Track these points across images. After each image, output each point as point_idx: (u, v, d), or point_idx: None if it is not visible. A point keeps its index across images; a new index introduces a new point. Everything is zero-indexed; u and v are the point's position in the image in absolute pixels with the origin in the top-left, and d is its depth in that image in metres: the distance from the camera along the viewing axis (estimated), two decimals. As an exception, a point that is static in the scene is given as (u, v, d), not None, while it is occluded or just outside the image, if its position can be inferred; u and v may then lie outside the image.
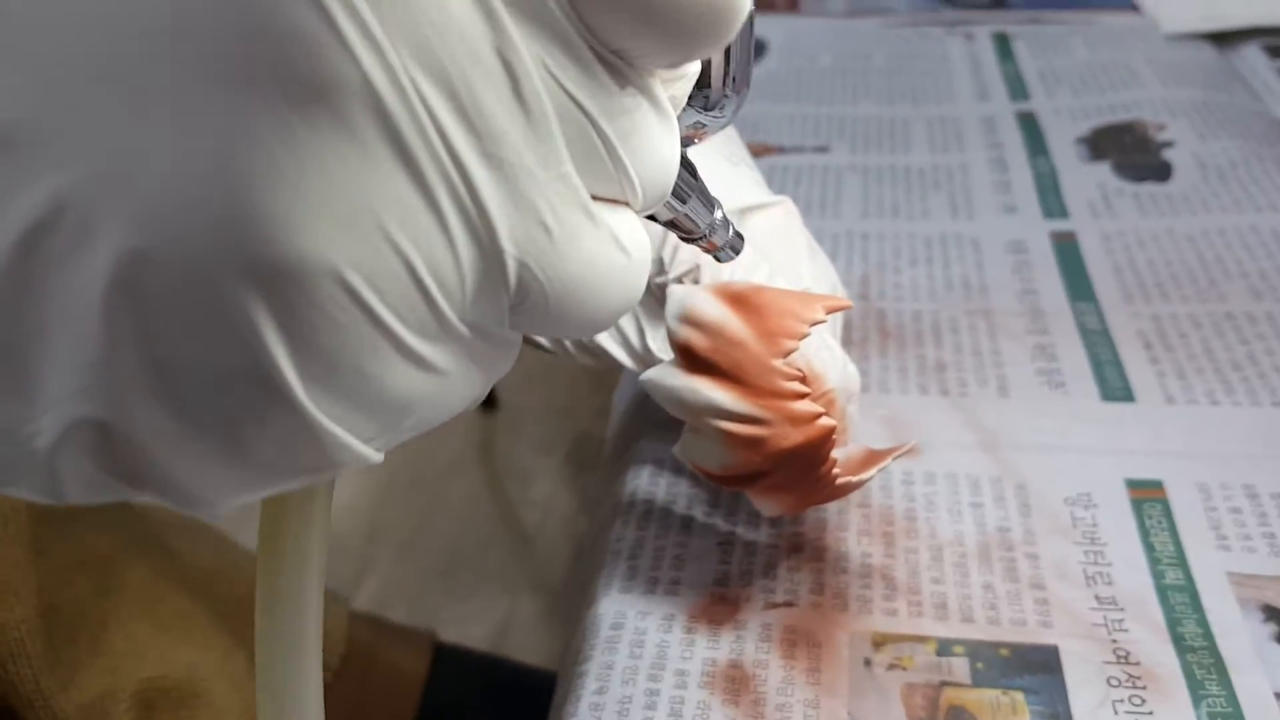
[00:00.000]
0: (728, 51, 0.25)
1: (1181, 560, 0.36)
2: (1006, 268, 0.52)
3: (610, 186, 0.18)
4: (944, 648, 0.34)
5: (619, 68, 0.17)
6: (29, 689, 0.40)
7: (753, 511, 0.39)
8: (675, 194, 0.26)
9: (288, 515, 0.21)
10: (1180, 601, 0.35)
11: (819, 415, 0.30)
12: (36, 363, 0.15)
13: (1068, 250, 0.53)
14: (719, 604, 0.35)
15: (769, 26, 0.81)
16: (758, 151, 0.64)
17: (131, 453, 0.16)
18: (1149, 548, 0.37)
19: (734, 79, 0.25)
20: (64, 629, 0.46)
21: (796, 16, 0.84)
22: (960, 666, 0.33)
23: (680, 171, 0.26)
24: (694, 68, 0.21)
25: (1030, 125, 0.65)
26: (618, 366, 0.38)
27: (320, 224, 0.14)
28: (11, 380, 0.15)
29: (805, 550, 0.37)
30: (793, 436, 0.30)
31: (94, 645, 0.47)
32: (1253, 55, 0.72)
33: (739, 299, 0.31)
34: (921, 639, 0.34)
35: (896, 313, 0.49)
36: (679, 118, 0.25)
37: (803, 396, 0.30)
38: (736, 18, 0.17)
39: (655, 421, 0.43)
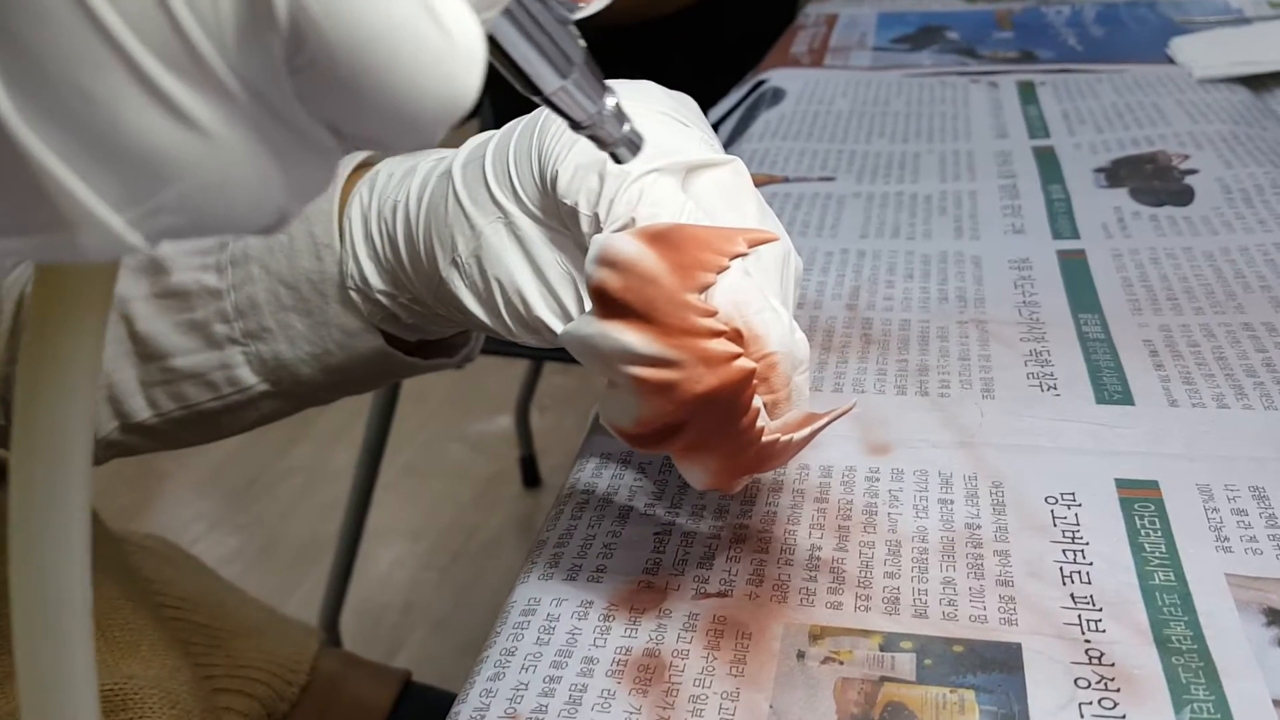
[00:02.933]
0: None
1: (1173, 560, 0.32)
2: (1007, 282, 0.48)
3: None
4: (890, 642, 0.30)
5: None
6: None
7: (698, 503, 0.36)
8: (553, 64, 0.24)
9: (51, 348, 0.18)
10: (1169, 603, 0.30)
11: (735, 355, 0.27)
12: None
13: (1074, 266, 0.49)
14: (644, 592, 0.32)
15: (790, 79, 0.80)
16: (760, 181, 0.62)
17: None
18: (1137, 548, 0.32)
19: None
20: (5, 640, 0.45)
21: (819, 69, 0.83)
22: (905, 662, 0.29)
23: (563, 38, 0.24)
24: None
25: (1047, 158, 0.62)
26: (558, 343, 0.36)
27: None
28: None
29: (749, 542, 0.34)
30: (706, 380, 0.27)
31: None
32: (1291, 97, 0.69)
33: (658, 236, 0.29)
34: (865, 633, 0.30)
35: (884, 321, 0.46)
36: None
37: (719, 335, 0.27)
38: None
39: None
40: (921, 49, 0.87)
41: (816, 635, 0.30)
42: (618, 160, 0.26)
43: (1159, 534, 0.33)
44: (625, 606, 0.31)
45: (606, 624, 0.31)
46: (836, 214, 0.57)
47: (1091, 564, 0.32)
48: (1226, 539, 0.33)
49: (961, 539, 0.33)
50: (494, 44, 0.23)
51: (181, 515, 1.61)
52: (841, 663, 0.29)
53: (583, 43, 0.24)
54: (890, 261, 0.51)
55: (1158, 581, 0.31)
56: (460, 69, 0.16)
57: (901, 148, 0.66)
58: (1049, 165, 0.61)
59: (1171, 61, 0.77)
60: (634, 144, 0.26)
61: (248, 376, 0.41)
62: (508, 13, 0.22)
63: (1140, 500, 0.34)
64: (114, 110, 0.14)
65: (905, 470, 0.37)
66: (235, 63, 0.14)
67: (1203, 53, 0.77)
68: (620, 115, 0.26)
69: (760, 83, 0.81)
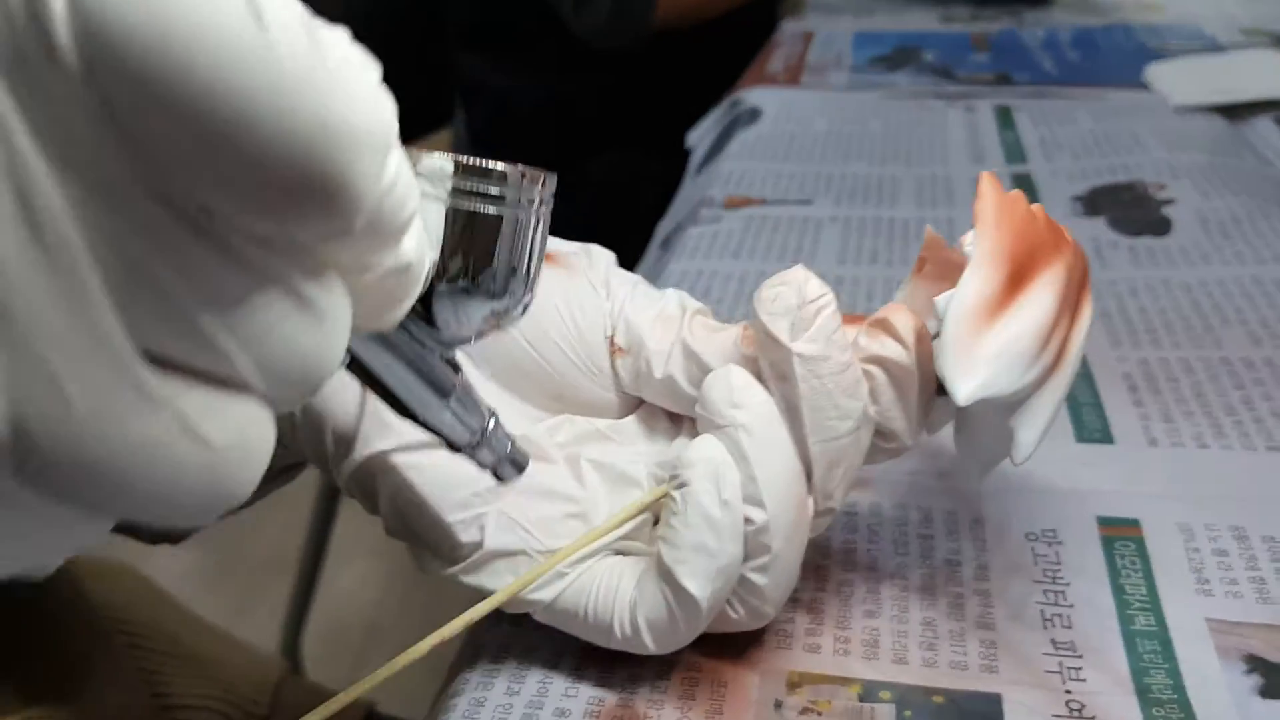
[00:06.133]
0: (500, 234, 0.23)
1: (1154, 604, 0.31)
2: (985, 313, 0.48)
3: (207, 360, 0.14)
4: (869, 692, 0.29)
5: (214, 232, 0.14)
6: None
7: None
8: (432, 389, 0.24)
9: None
10: (1149, 649, 0.30)
11: None
12: None
13: (1053, 297, 0.49)
14: (618, 635, 0.31)
15: (767, 98, 0.80)
16: (738, 203, 0.61)
17: None
18: (1118, 590, 0.32)
19: (524, 268, 0.23)
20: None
21: (795, 89, 0.83)
22: (885, 714, 0.28)
23: (438, 367, 0.24)
24: (377, 256, 0.16)
25: (1025, 184, 0.62)
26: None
27: None
28: None
29: (725, 582, 0.33)
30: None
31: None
32: (1264, 127, 0.69)
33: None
34: (845, 681, 0.29)
35: (861, 352, 0.45)
36: (467, 310, 0.22)
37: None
38: (337, 194, 0.14)
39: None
40: (898, 70, 0.87)
41: (794, 683, 0.29)
42: (500, 479, 0.26)
43: (1139, 574, 0.32)
44: (597, 654, 0.30)
45: (578, 672, 0.30)
46: (814, 239, 0.57)
47: (1073, 606, 0.31)
48: (1207, 581, 0.32)
49: (942, 577, 0.33)
50: (364, 371, 0.23)
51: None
52: (820, 714, 0.28)
53: (459, 371, 0.25)
54: (869, 289, 0.51)
55: (1138, 626, 0.31)
56: (227, 475, 0.15)
57: (879, 170, 0.65)
58: (1026, 192, 0.61)
59: (1147, 88, 0.78)
60: (518, 462, 0.26)
61: None
62: (383, 344, 0.22)
63: (1121, 539, 0.34)
64: None
65: (883, 504, 0.36)
66: None
67: (1179, 80, 0.77)
68: (501, 434, 0.26)
69: (737, 101, 0.80)
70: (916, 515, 0.35)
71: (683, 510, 0.26)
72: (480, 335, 0.23)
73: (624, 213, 0.85)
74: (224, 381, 0.15)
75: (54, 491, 0.14)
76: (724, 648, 0.30)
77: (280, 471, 0.39)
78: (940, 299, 0.27)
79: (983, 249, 0.27)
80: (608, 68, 1.03)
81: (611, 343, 0.30)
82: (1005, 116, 0.73)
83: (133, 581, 0.58)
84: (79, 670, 0.45)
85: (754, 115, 0.77)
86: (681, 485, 0.27)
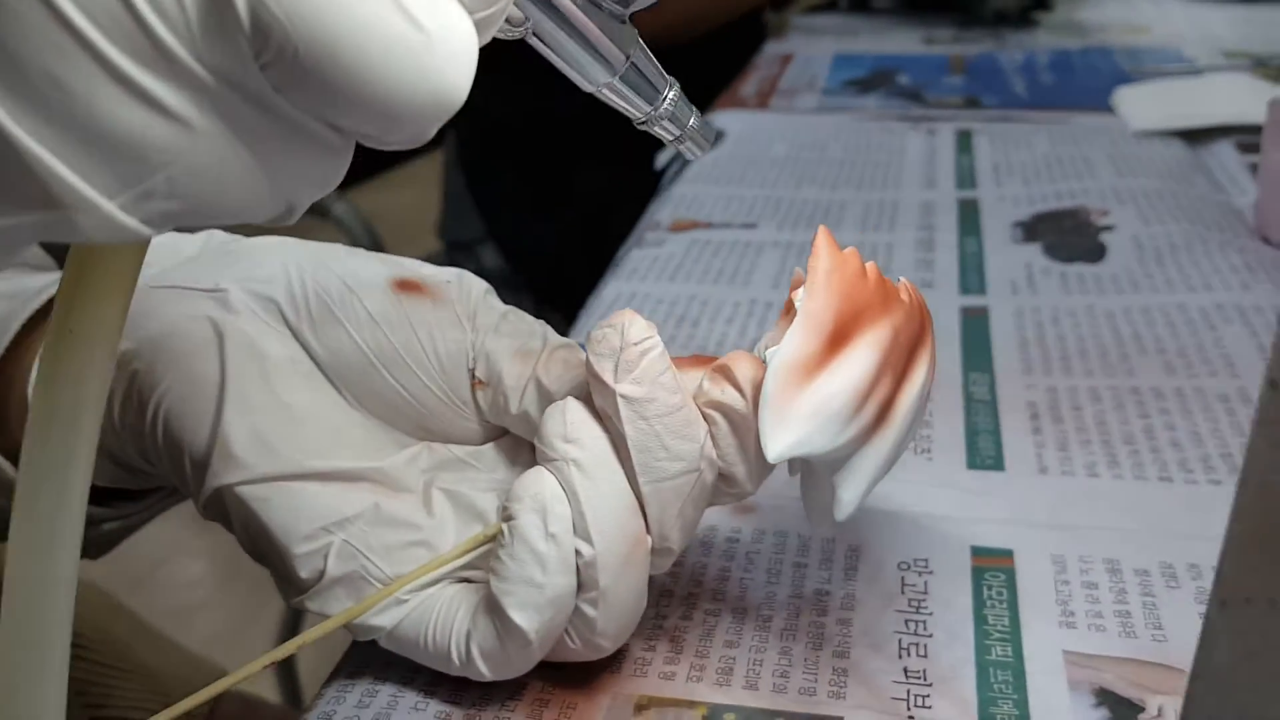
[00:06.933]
0: None
1: (1014, 635, 0.32)
2: (906, 338, 0.48)
3: None
4: (714, 714, 0.29)
5: None
6: None
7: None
8: (602, 60, 0.23)
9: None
10: (1001, 680, 0.30)
11: None
12: None
13: (975, 324, 0.49)
14: (478, 656, 0.32)
15: (733, 120, 0.81)
16: (684, 226, 0.62)
17: None
18: (980, 620, 0.32)
19: None
20: None
21: (763, 112, 0.83)
22: (726, 736, 0.29)
23: (612, 32, 0.24)
24: None
25: (969, 210, 0.62)
26: None
27: None
28: None
29: (593, 605, 0.33)
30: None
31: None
32: (1223, 151, 0.69)
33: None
34: (691, 704, 0.30)
35: (774, 377, 0.46)
36: None
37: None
38: None
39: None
40: (870, 93, 0.88)
41: (642, 706, 0.30)
42: (690, 154, 0.26)
43: (1004, 605, 0.33)
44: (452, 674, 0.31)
45: (431, 688, 0.30)
46: (753, 262, 0.57)
47: (931, 636, 0.32)
48: (1071, 614, 0.32)
49: (808, 607, 0.33)
50: (540, 40, 0.24)
51: (141, 541, 1.60)
52: (661, 735, 0.29)
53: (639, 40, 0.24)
54: (794, 313, 0.51)
55: (994, 657, 0.31)
56: (441, 65, 0.16)
57: (829, 195, 0.66)
58: (970, 218, 0.61)
59: (1113, 111, 0.78)
60: (704, 136, 0.26)
61: None
62: (550, 7, 0.23)
63: (991, 570, 0.34)
64: (89, 101, 0.15)
65: (766, 530, 0.36)
66: (204, 56, 0.15)
67: (1143, 105, 0.77)
68: (683, 107, 0.25)
69: (705, 124, 0.81)
70: (795, 542, 0.36)
71: (509, 543, 0.27)
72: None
73: (606, 228, 0.86)
74: None
75: (289, 80, 0.16)
76: (580, 674, 0.30)
77: (173, 489, 0.40)
78: (770, 353, 0.27)
79: (807, 307, 0.27)
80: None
81: (473, 375, 0.31)
82: (965, 141, 0.74)
83: (86, 593, 0.59)
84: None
85: (717, 138, 0.77)
86: (510, 518, 0.27)
